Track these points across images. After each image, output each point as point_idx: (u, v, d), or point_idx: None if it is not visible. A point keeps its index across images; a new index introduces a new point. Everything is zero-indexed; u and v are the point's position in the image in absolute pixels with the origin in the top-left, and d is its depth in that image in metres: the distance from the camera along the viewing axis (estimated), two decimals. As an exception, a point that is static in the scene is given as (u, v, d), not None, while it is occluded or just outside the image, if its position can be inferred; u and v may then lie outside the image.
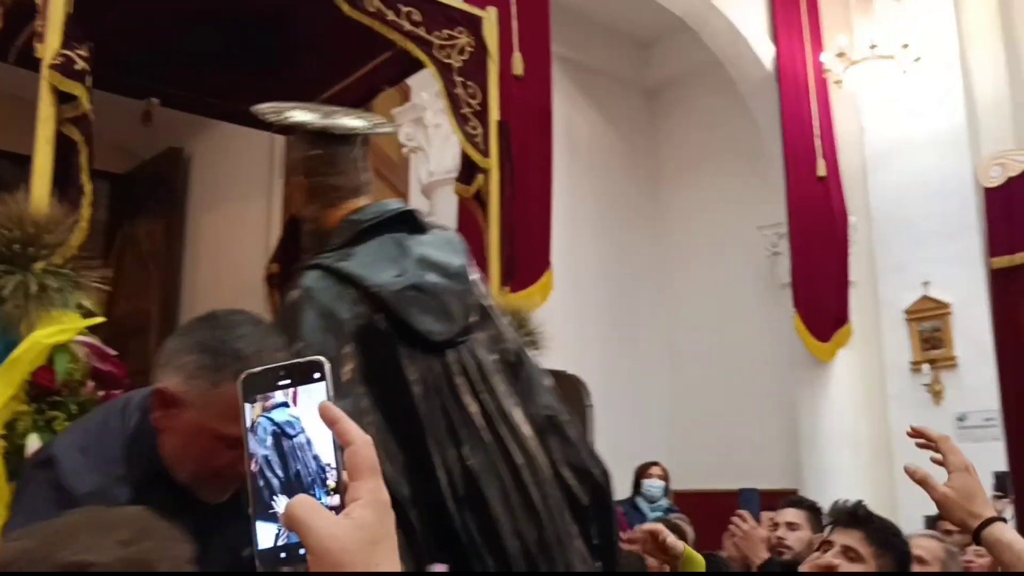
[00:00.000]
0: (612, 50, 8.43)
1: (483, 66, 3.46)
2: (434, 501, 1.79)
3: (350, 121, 2.12)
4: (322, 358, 0.72)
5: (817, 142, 7.12)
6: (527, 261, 4.34)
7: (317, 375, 0.71)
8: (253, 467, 0.71)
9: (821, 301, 6.94)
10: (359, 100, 3.85)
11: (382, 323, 1.86)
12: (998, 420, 6.40)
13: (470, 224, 3.57)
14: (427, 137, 5.87)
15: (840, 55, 7.00)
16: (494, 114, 3.48)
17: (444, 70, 3.36)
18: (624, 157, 8.49)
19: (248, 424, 0.72)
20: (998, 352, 6.53)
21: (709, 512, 4.94)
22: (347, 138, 2.08)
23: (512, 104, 3.99)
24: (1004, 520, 1.49)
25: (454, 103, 3.36)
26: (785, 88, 7.11)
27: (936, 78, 6.96)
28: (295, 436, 0.70)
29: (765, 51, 7.20)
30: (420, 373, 1.86)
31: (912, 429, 1.58)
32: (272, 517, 0.70)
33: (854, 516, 1.99)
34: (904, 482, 1.54)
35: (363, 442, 0.68)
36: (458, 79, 3.34)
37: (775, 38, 7.21)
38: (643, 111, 8.92)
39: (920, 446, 1.58)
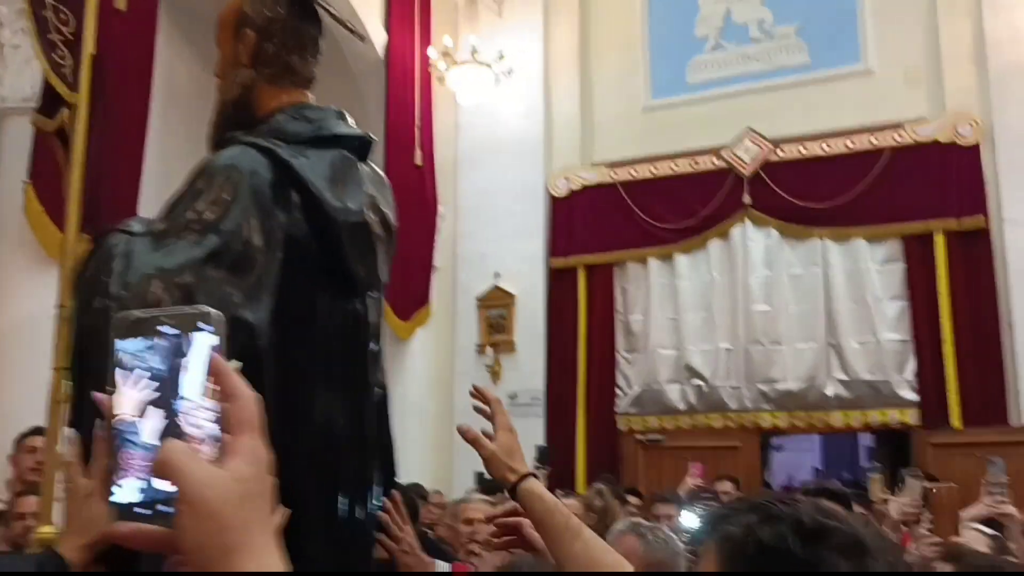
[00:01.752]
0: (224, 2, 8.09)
1: (81, -8, 3.17)
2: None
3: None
4: (212, 311, 0.67)
5: (417, 132, 7.53)
6: (111, 208, 4.04)
7: (203, 325, 0.66)
8: (120, 410, 0.65)
9: (406, 282, 7.36)
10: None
11: (312, 246, 1.60)
12: (542, 399, 7.36)
13: (47, 161, 3.25)
14: (2, 58, 5.16)
15: (445, 54, 7.48)
16: (89, 46, 3.20)
17: (33, -13, 3.02)
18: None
19: (119, 360, 0.66)
20: (549, 341, 7.51)
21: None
22: (318, 20, 1.81)
23: (110, 39, 3.68)
24: (537, 477, 1.74)
25: (41, 26, 3.04)
26: (393, 76, 7.42)
27: (524, 92, 7.76)
28: (169, 381, 0.65)
29: (379, 37, 7.43)
30: (327, 310, 1.65)
31: (474, 388, 1.77)
32: (136, 468, 0.65)
33: None
34: (461, 450, 1.74)
35: (248, 398, 0.65)
36: (50, 1, 3.02)
37: (388, 26, 7.49)
38: (252, 72, 8.69)
39: (476, 409, 1.74)
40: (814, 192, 6.81)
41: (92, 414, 0.83)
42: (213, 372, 0.65)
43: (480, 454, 1.66)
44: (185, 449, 0.63)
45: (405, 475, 6.17)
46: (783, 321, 6.87)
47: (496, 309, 7.55)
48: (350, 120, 1.80)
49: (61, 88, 3.16)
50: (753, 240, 7.03)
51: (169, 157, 7.02)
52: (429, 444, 7.03)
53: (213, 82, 1.83)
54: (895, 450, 7.28)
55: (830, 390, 6.70)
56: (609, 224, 7.48)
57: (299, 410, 1.55)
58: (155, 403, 0.66)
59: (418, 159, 7.48)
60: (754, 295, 6.95)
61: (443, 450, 6.86)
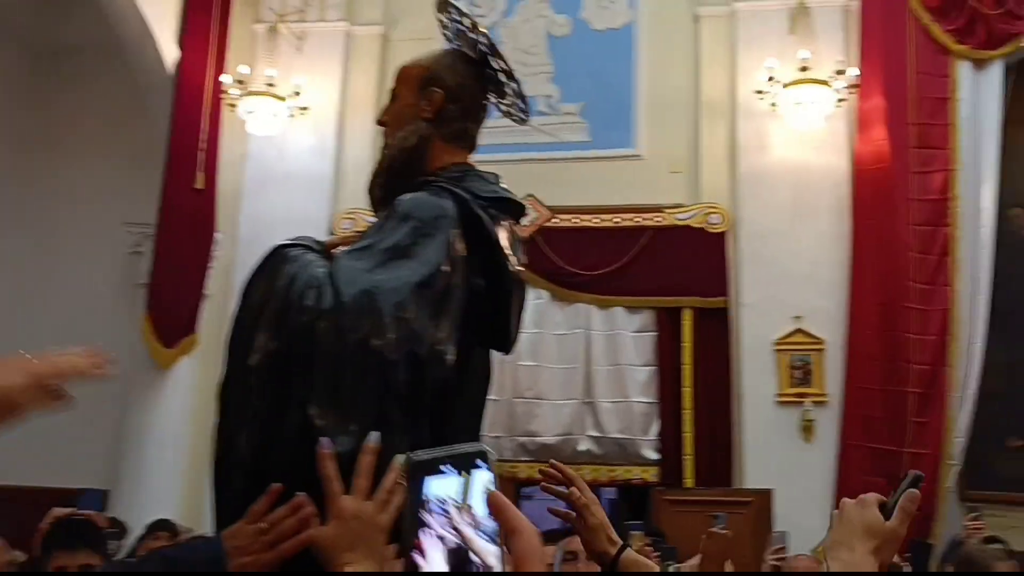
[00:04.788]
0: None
1: None
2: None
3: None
4: (488, 450, 0.72)
5: (201, 155, 7.31)
6: None
7: (480, 463, 0.72)
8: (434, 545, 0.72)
9: (174, 308, 7.06)
10: None
11: (484, 299, 1.58)
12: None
13: None
14: None
15: (240, 81, 7.37)
16: None
17: None
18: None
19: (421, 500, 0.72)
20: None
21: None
22: (491, 91, 1.85)
23: None
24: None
25: None
26: (181, 95, 7.19)
27: (317, 130, 7.77)
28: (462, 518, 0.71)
29: (170, 53, 7.19)
30: (477, 362, 1.66)
31: (551, 464, 1.81)
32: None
33: None
34: None
35: (531, 533, 0.68)
36: None
37: (182, 43, 7.27)
38: (26, 72, 8.12)
39: (545, 488, 1.78)
40: (583, 260, 7.32)
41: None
42: (493, 508, 0.71)
43: (588, 523, 1.68)
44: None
45: (156, 509, 5.91)
46: (546, 377, 7.27)
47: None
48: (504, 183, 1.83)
49: None
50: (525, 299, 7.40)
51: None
52: (184, 478, 6.72)
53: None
54: (636, 503, 7.85)
55: (583, 445, 7.15)
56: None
57: (438, 442, 1.62)
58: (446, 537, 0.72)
59: (199, 182, 7.26)
60: (522, 351, 7.31)
61: (199, 485, 6.58)
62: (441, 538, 0.73)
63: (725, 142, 7.36)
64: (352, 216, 7.72)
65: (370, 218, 6.71)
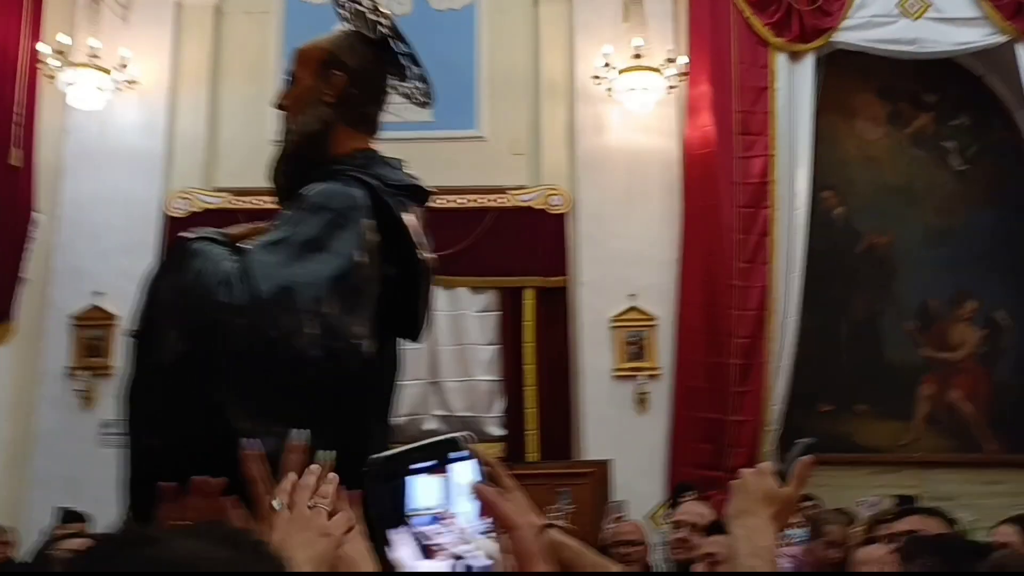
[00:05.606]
0: None
1: None
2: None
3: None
4: (458, 436, 0.64)
5: (16, 129, 6.83)
6: None
7: (454, 454, 0.63)
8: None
9: (-13, 294, 6.58)
10: None
11: (395, 287, 1.58)
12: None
13: None
14: None
15: (59, 52, 6.91)
16: None
17: None
18: None
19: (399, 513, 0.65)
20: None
21: None
22: (393, 75, 1.83)
23: None
24: None
25: None
26: (-8, 64, 6.68)
27: (146, 104, 7.39)
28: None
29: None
30: (388, 350, 1.67)
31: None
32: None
33: None
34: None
35: (526, 526, 0.65)
36: None
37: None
38: None
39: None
40: (428, 242, 7.34)
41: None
42: (482, 501, 0.66)
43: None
44: None
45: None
46: (391, 359, 7.27)
47: (94, 330, 7.01)
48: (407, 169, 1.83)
49: None
50: (369, 280, 7.37)
51: None
52: (1, 475, 6.30)
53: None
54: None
55: (429, 424, 7.22)
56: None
57: (363, 442, 1.52)
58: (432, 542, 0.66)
59: (15, 159, 6.78)
60: (366, 332, 7.28)
61: (17, 482, 6.20)
62: (427, 549, 0.69)
63: (564, 125, 7.56)
64: (187, 196, 7.42)
65: (206, 198, 6.54)
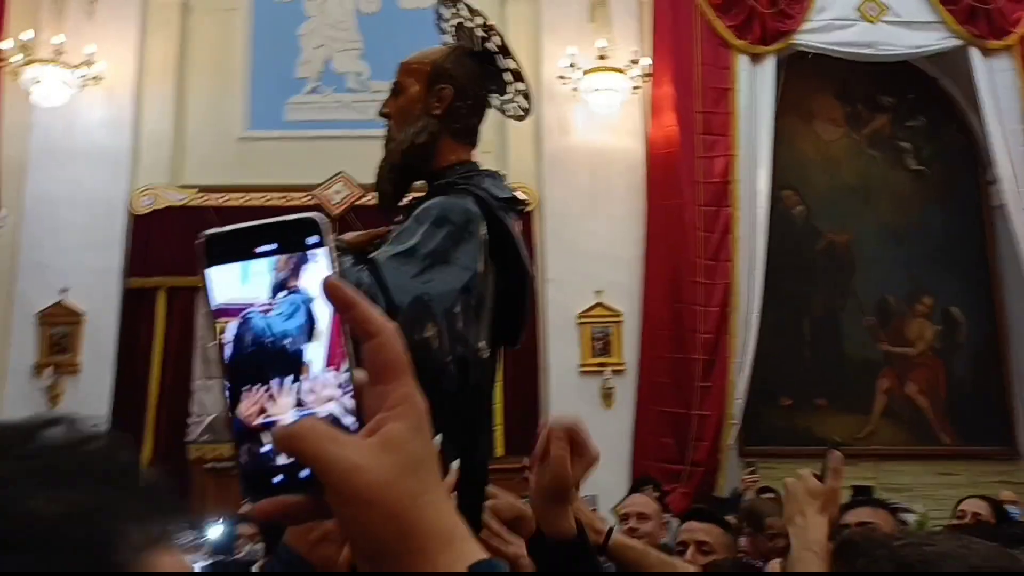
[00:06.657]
0: None
1: None
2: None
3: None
4: (314, 216, 0.48)
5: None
6: None
7: (311, 240, 0.50)
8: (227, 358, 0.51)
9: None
10: None
11: (505, 300, 1.66)
12: (106, 426, 6.91)
13: None
14: None
15: (23, 48, 6.87)
16: None
17: None
18: None
19: (218, 300, 0.51)
20: (119, 364, 7.11)
21: None
22: (497, 88, 1.90)
23: None
24: None
25: None
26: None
27: (112, 101, 7.36)
28: (285, 324, 0.50)
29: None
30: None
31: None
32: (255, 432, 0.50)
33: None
34: None
35: (390, 332, 0.51)
36: None
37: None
38: None
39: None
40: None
41: None
42: (337, 302, 0.50)
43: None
44: (318, 432, 0.49)
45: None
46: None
47: (60, 327, 6.98)
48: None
49: None
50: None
51: None
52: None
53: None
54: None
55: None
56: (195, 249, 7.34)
57: (472, 452, 1.59)
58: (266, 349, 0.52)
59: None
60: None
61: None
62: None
63: (531, 124, 7.63)
64: (152, 193, 7.41)
65: (172, 195, 6.53)
